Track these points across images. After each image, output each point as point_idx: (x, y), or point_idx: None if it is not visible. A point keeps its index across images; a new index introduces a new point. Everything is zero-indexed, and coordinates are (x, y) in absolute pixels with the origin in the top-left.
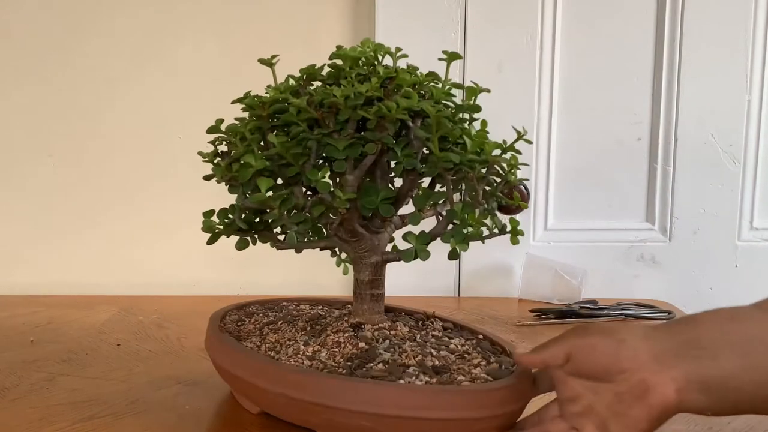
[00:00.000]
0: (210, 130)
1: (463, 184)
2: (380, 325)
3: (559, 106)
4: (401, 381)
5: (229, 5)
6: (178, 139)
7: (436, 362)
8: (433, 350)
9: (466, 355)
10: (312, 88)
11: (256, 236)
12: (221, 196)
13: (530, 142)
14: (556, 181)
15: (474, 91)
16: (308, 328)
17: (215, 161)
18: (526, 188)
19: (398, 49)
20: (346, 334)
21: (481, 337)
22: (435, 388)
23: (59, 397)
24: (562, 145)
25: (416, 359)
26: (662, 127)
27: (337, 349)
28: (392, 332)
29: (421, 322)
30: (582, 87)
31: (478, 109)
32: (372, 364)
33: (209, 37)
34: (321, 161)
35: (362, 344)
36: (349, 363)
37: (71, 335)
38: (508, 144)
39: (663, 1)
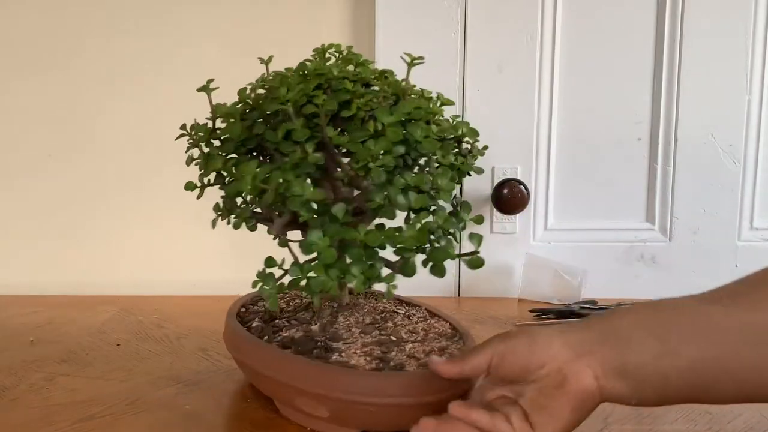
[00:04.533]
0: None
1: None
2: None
3: (559, 106)
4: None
5: (229, 5)
6: (178, 140)
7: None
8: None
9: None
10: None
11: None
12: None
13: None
14: (556, 181)
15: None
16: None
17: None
18: (525, 188)
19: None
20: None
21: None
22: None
23: (59, 397)
24: (562, 145)
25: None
26: (662, 127)
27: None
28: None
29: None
30: (582, 87)
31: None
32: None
33: (208, 38)
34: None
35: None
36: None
37: (71, 335)
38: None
39: (663, 1)
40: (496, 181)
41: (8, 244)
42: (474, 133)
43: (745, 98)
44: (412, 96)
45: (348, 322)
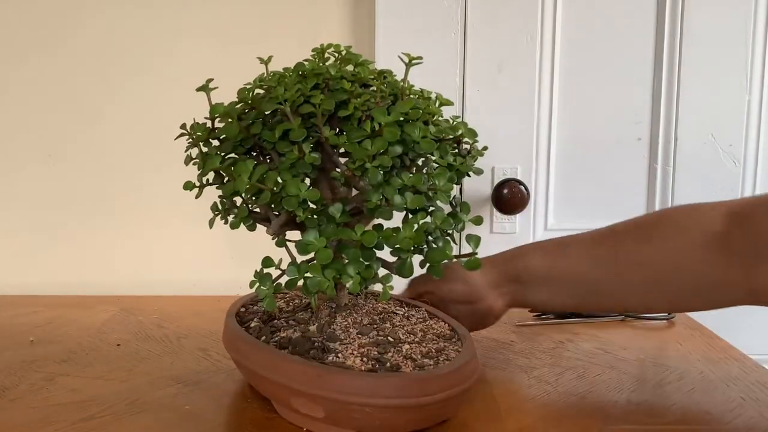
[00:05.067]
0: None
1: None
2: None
3: (559, 106)
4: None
5: (229, 5)
6: (178, 140)
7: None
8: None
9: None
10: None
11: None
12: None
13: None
14: (556, 181)
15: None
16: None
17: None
18: (525, 188)
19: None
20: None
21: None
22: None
23: (59, 397)
24: (562, 145)
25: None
26: (662, 127)
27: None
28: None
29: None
30: (582, 87)
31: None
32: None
33: (209, 38)
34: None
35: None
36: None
37: (71, 335)
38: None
39: (663, 2)
40: (496, 181)
41: (8, 243)
42: (473, 134)
43: (745, 98)
44: (411, 96)
45: (346, 323)
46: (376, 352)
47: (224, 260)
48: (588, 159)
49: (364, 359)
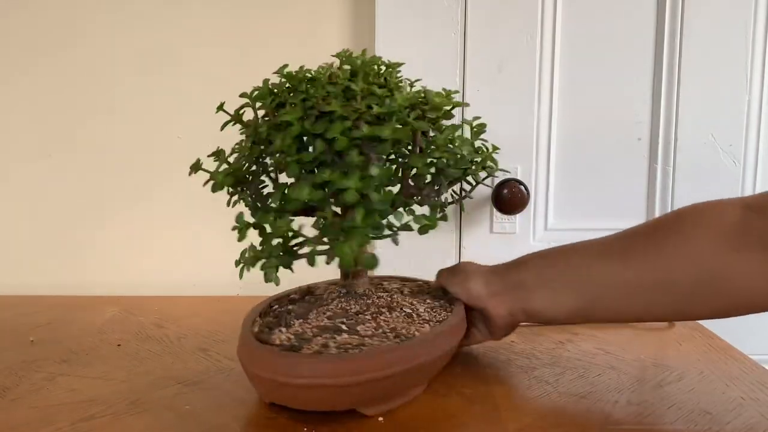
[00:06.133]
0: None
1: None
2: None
3: (559, 106)
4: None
5: (229, 5)
6: (178, 140)
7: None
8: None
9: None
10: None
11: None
12: (220, 197)
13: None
14: (556, 181)
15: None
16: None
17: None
18: (525, 188)
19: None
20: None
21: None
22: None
23: (59, 397)
24: (562, 145)
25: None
26: (662, 127)
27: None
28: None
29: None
30: (582, 87)
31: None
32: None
33: (209, 38)
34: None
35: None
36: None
37: (71, 335)
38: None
39: (663, 1)
40: (496, 181)
41: (8, 243)
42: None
43: (745, 98)
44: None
45: (331, 307)
46: (320, 337)
47: (224, 260)
48: (588, 159)
49: (290, 338)
